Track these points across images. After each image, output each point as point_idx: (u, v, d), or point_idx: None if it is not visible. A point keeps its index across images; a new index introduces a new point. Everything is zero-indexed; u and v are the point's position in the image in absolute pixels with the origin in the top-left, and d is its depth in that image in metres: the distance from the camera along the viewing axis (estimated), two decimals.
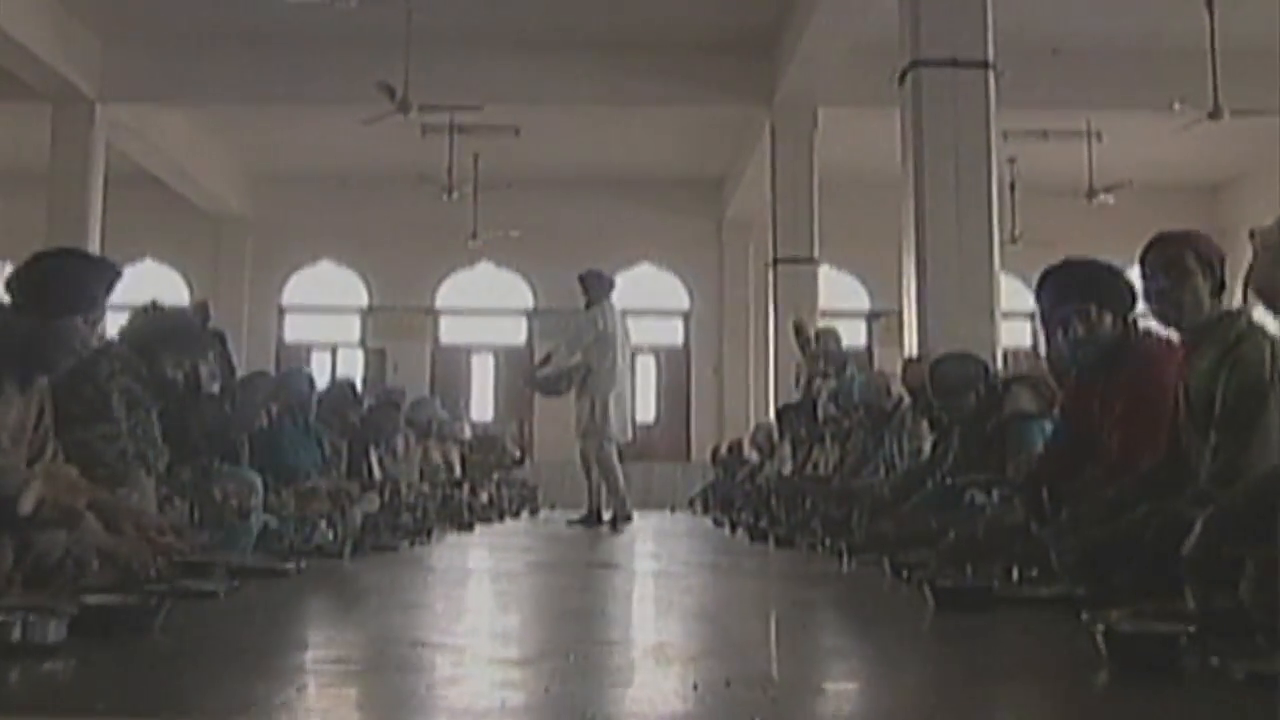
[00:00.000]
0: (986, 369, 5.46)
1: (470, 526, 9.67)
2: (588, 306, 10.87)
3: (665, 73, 15.05)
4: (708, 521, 12.63)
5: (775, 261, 15.26)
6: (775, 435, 11.68)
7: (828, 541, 6.38)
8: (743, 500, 11.66)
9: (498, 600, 4.85)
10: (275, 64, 14.95)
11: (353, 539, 6.41)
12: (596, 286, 10.87)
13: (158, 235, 19.96)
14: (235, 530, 5.53)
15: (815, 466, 9.78)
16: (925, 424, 6.40)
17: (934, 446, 6.10)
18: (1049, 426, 5.13)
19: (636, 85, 15.12)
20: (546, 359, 11.42)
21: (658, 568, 6.25)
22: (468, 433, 14.79)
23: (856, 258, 19.60)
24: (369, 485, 7.98)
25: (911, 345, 9.76)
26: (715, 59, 15.08)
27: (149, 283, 19.91)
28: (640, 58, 14.94)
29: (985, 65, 9.18)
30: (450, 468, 11.15)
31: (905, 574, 4.61)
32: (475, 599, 5.02)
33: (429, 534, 7.98)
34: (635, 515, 10.85)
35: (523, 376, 10.86)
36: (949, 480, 5.47)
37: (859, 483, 6.86)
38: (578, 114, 17.43)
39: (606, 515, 10.61)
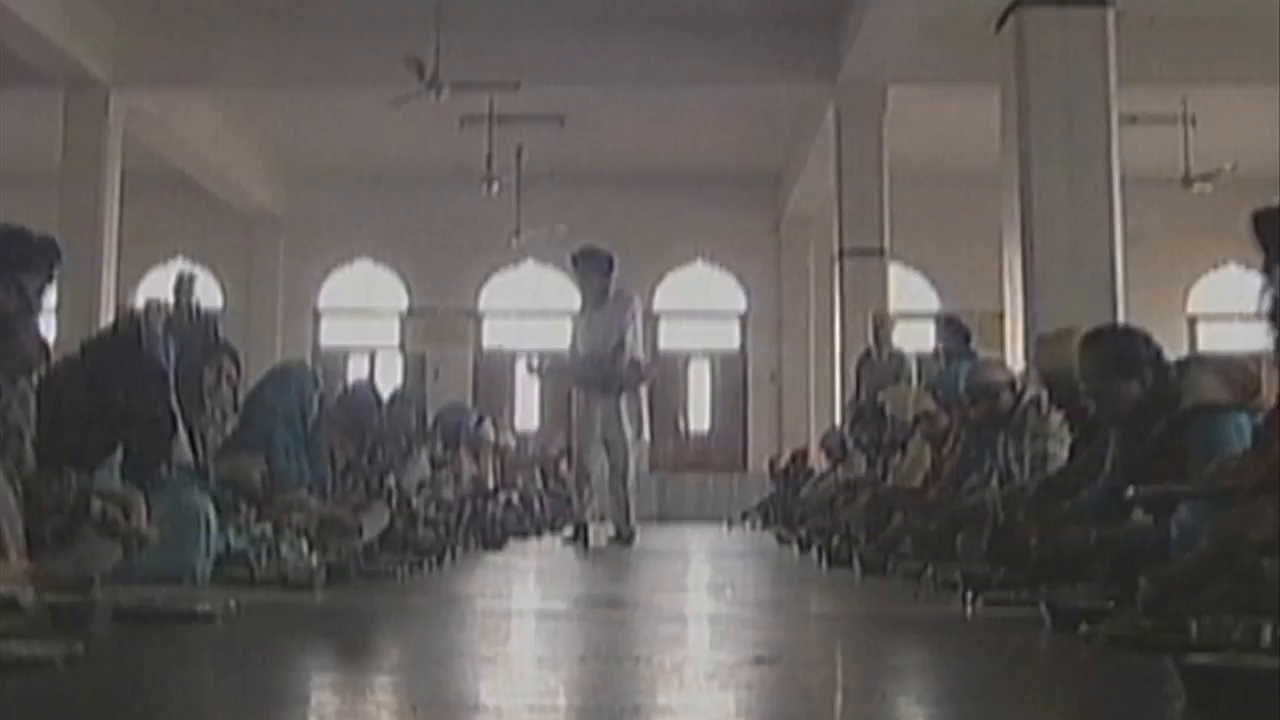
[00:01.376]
0: (1158, 349, 4.06)
1: (500, 544, 8.35)
2: (598, 288, 9.18)
3: (719, 50, 13.72)
4: (769, 538, 11.27)
5: (841, 255, 13.89)
6: (849, 442, 10.30)
7: (932, 570, 5.01)
8: (810, 515, 10.30)
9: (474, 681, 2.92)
10: (299, 44, 13.74)
11: (343, 563, 5.12)
12: (599, 267, 9.33)
13: (188, 234, 18.85)
14: (179, 551, 4.28)
15: (884, 477, 8.44)
16: (1057, 421, 4.99)
17: (1074, 450, 4.72)
18: (1247, 422, 3.76)
19: (687, 64, 13.79)
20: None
21: (722, 610, 4.85)
22: (510, 441, 13.53)
23: (925, 255, 18.15)
24: (378, 497, 6.70)
25: (1015, 352, 8.43)
26: (773, 34, 13.74)
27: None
28: (691, 34, 13.63)
29: (1103, 2, 7.74)
30: (480, 480, 9.81)
31: (1083, 627, 3.20)
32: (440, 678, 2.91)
33: (449, 554, 6.66)
34: (689, 530, 9.65)
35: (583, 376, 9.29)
36: (1105, 492, 4.09)
37: (969, 497, 5.46)
38: (625, 101, 16.17)
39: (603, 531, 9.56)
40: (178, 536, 4.21)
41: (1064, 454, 4.90)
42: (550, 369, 10.97)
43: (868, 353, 12.11)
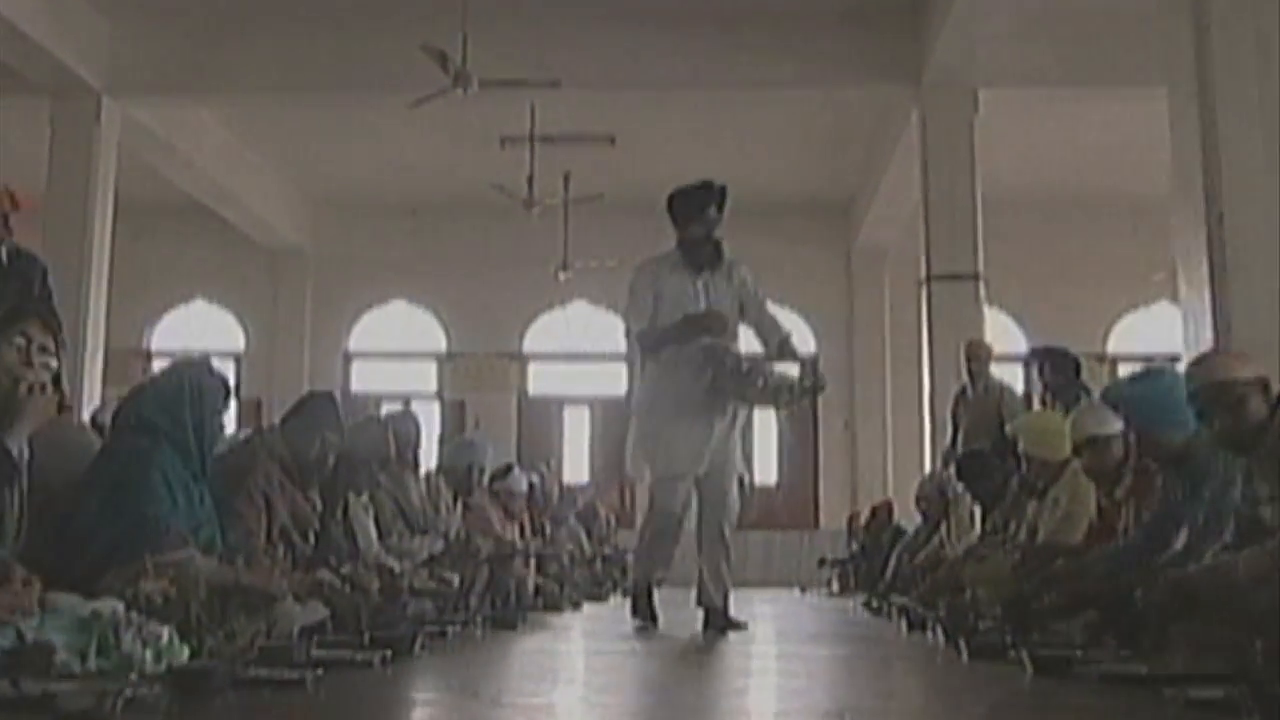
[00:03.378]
0: None
1: (515, 623, 6.40)
2: (707, 241, 6.37)
3: (783, 48, 11.88)
4: (854, 607, 9.28)
5: (928, 279, 11.94)
6: (955, 490, 8.31)
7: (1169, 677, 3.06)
8: (911, 581, 8.31)
9: None
10: (313, 46, 12.08)
11: (231, 660, 3.23)
12: (707, 204, 6.49)
13: (208, 272, 17.22)
14: None
15: (1011, 531, 6.48)
16: None
17: None
18: None
19: (748, 64, 11.95)
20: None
21: None
22: (552, 492, 11.65)
23: (1009, 289, 16.09)
24: (323, 560, 4.83)
25: None
26: (846, 28, 11.89)
27: (199, 327, 17.19)
28: (751, 30, 11.82)
29: None
30: (500, 538, 7.83)
31: None
32: None
33: (416, 643, 4.67)
34: (757, 597, 7.61)
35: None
36: None
37: (1209, 562, 3.48)
38: (681, 118, 14.40)
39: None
40: None
41: None
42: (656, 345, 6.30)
43: (963, 390, 10.19)
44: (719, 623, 6.23)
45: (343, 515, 5.45)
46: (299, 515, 4.58)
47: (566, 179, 15.30)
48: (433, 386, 17.67)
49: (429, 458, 8.04)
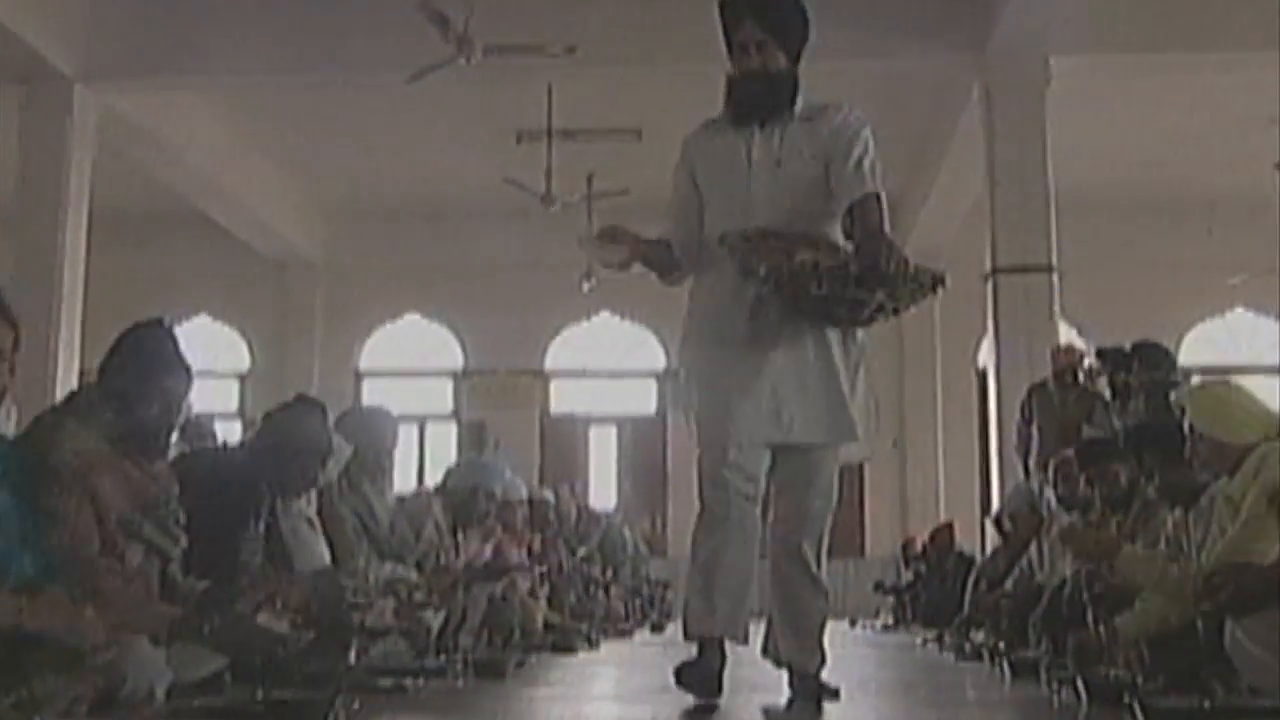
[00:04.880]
0: None
1: (504, 670, 4.91)
2: (783, 81, 3.99)
3: (831, 14, 10.31)
4: (918, 643, 7.81)
5: (994, 272, 10.46)
6: (1049, 505, 6.81)
7: None
8: (986, 617, 6.85)
9: None
10: (303, 24, 10.70)
11: None
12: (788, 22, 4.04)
13: (210, 285, 15.87)
14: None
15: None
16: None
17: None
18: None
19: None
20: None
21: None
22: (570, 514, 10.22)
23: (1071, 293, 14.60)
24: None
25: None
26: None
27: (202, 345, 15.82)
28: None
29: None
30: (498, 568, 6.28)
31: None
32: None
33: (334, 706, 3.21)
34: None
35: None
36: None
37: None
38: (714, 110, 12.95)
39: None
40: None
41: None
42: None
43: (1043, 384, 8.75)
44: (804, 691, 3.97)
45: (264, 528, 4.01)
46: (139, 495, 3.11)
47: (590, 181, 13.92)
48: (449, 406, 16.24)
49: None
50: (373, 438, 5.53)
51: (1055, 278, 10.34)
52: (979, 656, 6.05)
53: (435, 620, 5.17)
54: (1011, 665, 5.03)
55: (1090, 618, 4.69)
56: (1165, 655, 3.98)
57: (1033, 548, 7.04)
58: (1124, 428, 5.66)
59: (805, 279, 3.58)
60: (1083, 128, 11.83)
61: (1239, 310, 15.74)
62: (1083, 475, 5.52)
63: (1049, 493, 6.91)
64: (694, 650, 4.02)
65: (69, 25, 10.59)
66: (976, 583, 7.87)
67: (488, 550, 6.48)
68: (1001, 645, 6.09)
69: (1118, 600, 4.32)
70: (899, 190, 15.13)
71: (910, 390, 15.55)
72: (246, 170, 14.01)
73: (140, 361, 3.23)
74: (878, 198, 3.85)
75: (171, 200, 13.89)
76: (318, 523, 4.82)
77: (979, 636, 7.19)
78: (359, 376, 16.35)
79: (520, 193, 13.09)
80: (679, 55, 10.66)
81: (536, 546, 8.26)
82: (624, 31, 10.50)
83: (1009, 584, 7.04)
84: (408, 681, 4.03)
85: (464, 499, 6.21)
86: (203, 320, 16.10)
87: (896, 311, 3.73)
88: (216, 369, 15.64)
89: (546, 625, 6.96)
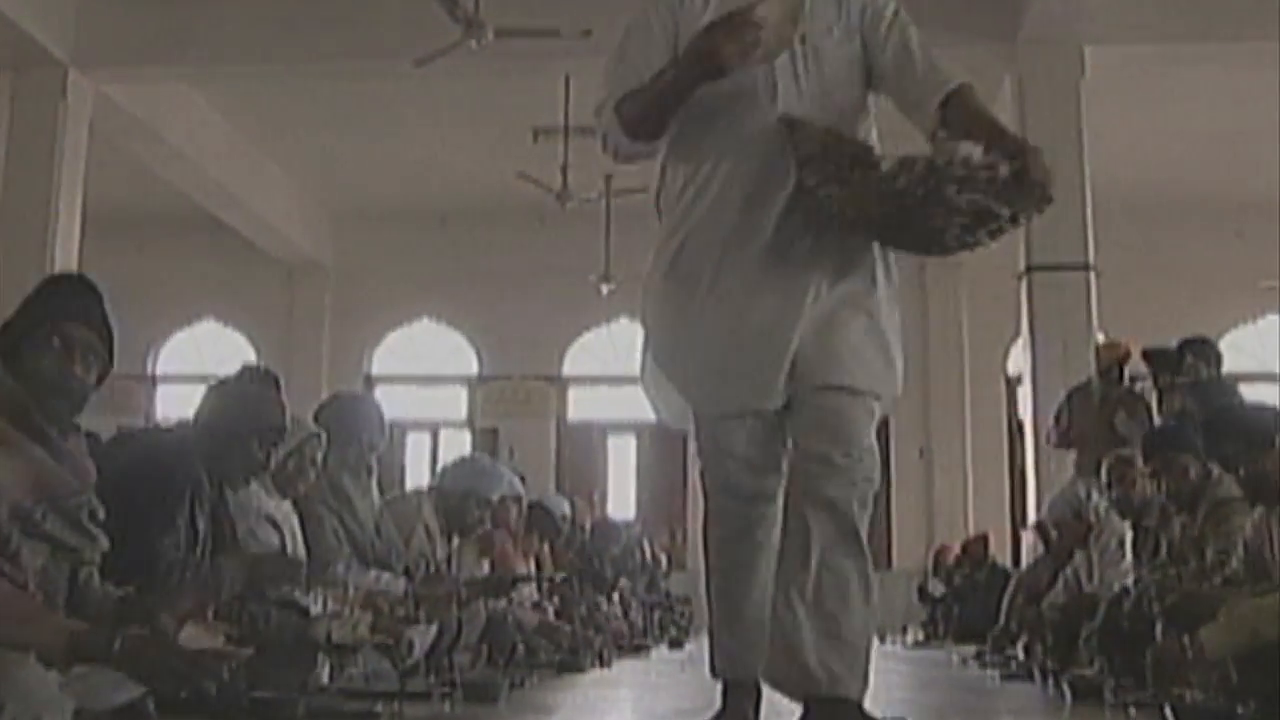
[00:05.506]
0: None
1: (497, 693, 4.30)
2: None
3: None
4: (956, 660, 7.23)
5: (1029, 271, 9.89)
6: (1098, 512, 6.24)
7: None
8: (1029, 631, 6.28)
9: None
10: (307, 9, 10.23)
11: None
12: None
13: (217, 288, 15.41)
14: None
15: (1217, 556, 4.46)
16: None
17: None
18: None
19: None
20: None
21: None
22: (583, 523, 9.68)
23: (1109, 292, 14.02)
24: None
25: None
26: None
27: (208, 349, 15.37)
28: None
29: None
30: (502, 582, 5.71)
31: None
32: None
33: None
34: None
35: None
36: None
37: None
38: None
39: None
40: None
41: None
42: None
43: (1086, 384, 8.17)
44: None
45: (203, 524, 3.48)
46: (42, 481, 2.57)
47: (608, 182, 13.39)
48: (463, 413, 15.70)
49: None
50: (356, 429, 5.02)
51: (1092, 276, 9.78)
52: (1029, 676, 5.47)
53: (425, 636, 4.65)
54: (1072, 686, 4.46)
55: (1161, 631, 4.13)
56: (1256, 675, 3.44)
57: (1079, 556, 6.48)
58: (1196, 415, 5.10)
59: (943, 179, 2.69)
60: (1110, 125, 11.26)
61: (1271, 317, 15.08)
62: (1148, 469, 4.93)
63: (1097, 497, 6.36)
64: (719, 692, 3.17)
65: (63, 7, 10.15)
66: (1015, 595, 7.31)
67: (485, 564, 5.93)
68: (1050, 663, 5.52)
69: (1196, 611, 3.77)
70: None
71: (937, 397, 14.96)
72: (252, 169, 13.55)
73: (37, 307, 2.71)
74: None
75: (174, 200, 13.45)
76: (294, 523, 4.31)
77: (1018, 652, 6.64)
78: (370, 383, 15.84)
79: (536, 194, 12.58)
80: None
81: (545, 556, 7.74)
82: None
83: (1054, 596, 6.47)
84: (380, 707, 3.49)
85: (456, 504, 5.66)
86: (209, 325, 15.64)
87: (996, 235, 2.88)
88: (222, 374, 15.11)
89: (554, 642, 6.42)
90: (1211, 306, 14.55)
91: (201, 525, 3.46)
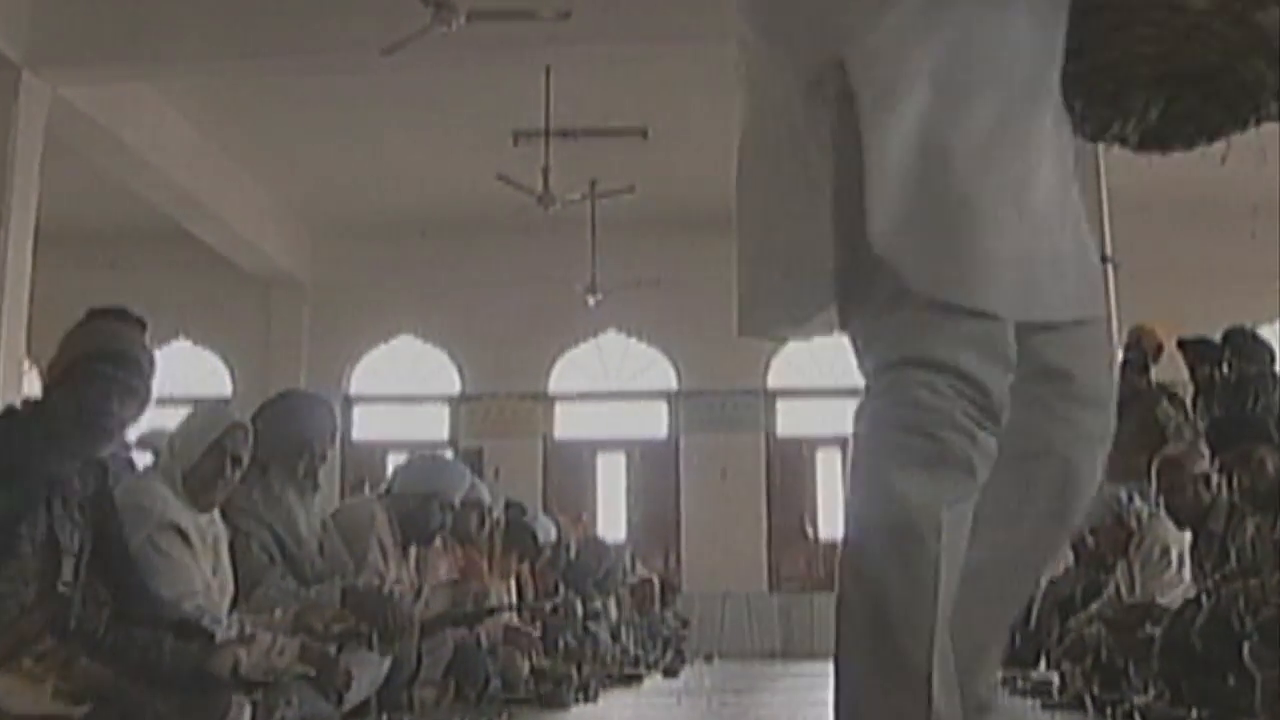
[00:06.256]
0: None
1: None
2: None
3: None
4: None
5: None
6: (1139, 518, 5.52)
7: None
8: (1067, 650, 5.54)
9: None
10: (268, 4, 9.56)
11: None
12: None
13: (190, 306, 14.65)
14: None
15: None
16: None
17: None
18: None
19: None
20: None
21: None
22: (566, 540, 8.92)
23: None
24: None
25: None
26: None
27: (180, 370, 14.62)
28: None
29: None
30: (474, 611, 4.94)
31: None
32: None
33: None
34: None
35: None
36: None
37: None
38: (729, 104, 11.77)
39: None
40: None
41: None
42: None
43: (1125, 362, 7.48)
44: None
45: (82, 535, 2.75)
46: None
47: (593, 187, 12.73)
48: (445, 433, 14.94)
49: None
50: (305, 434, 4.28)
51: (1110, 269, 9.06)
52: (1080, 704, 4.74)
53: (377, 668, 3.92)
54: (1141, 717, 3.73)
55: (1250, 653, 3.41)
56: None
57: (1119, 567, 5.76)
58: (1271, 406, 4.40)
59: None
60: None
61: None
62: (1215, 464, 4.22)
63: (1139, 501, 5.65)
64: None
65: (15, 4, 9.44)
66: (1042, 609, 6.58)
67: (443, 570, 5.17)
68: (1097, 688, 4.80)
69: None
70: None
71: None
72: (223, 178, 12.83)
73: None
74: None
75: (144, 213, 12.75)
76: (219, 533, 3.58)
77: (1052, 675, 5.92)
78: (349, 402, 15.09)
79: (518, 202, 11.87)
80: (684, 31, 9.45)
81: (526, 578, 7.01)
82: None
83: (1092, 611, 5.73)
84: None
85: (415, 510, 4.91)
86: (181, 344, 14.87)
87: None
88: (196, 395, 14.39)
89: (534, 672, 5.68)
90: (1224, 308, 13.85)
91: (68, 533, 2.73)
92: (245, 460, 3.54)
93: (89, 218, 13.86)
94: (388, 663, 4.01)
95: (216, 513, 3.55)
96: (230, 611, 3.49)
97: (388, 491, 4.93)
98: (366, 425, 15.13)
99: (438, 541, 5.08)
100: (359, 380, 15.18)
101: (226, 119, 11.99)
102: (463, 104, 11.69)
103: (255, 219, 13.73)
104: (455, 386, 15.03)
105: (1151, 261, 12.98)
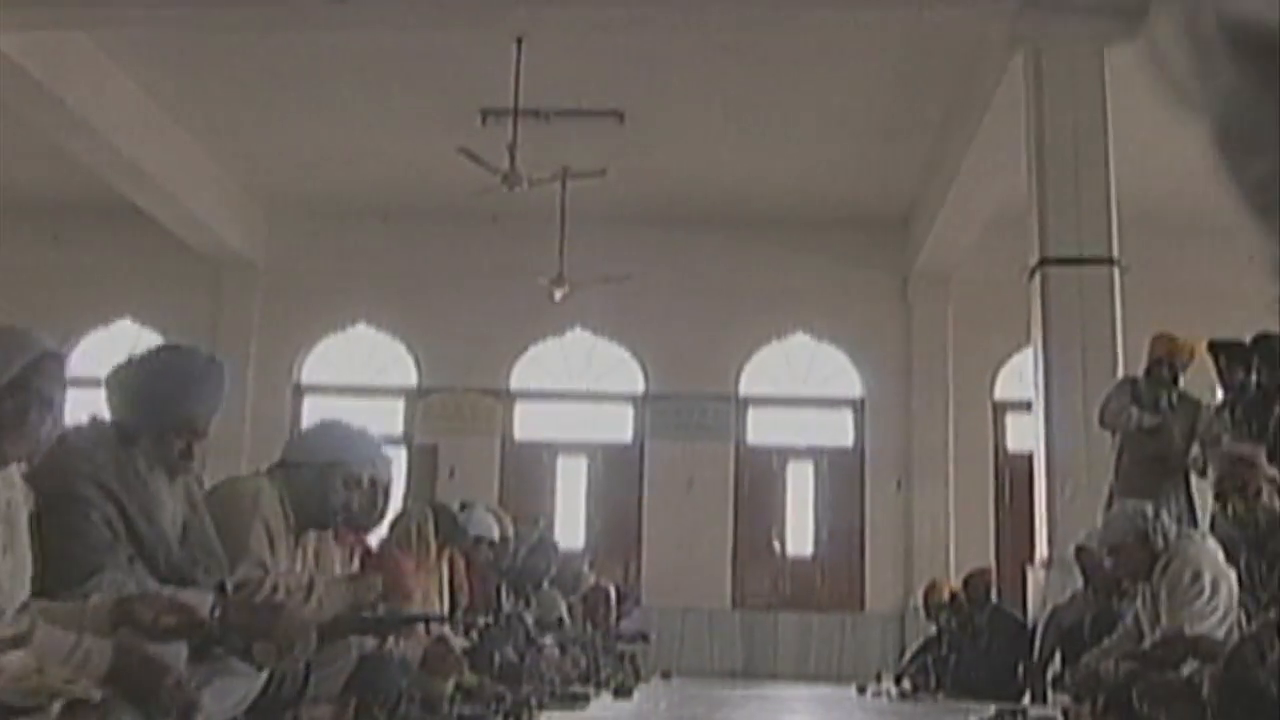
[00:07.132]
0: None
1: None
2: None
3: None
4: None
5: (1042, 264, 8.41)
6: (1167, 537, 4.71)
7: None
8: (1085, 684, 4.72)
9: None
10: None
11: None
12: None
13: (136, 285, 13.77)
14: None
15: None
16: None
17: None
18: None
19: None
20: None
21: None
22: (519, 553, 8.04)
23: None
24: None
25: None
26: None
27: (126, 351, 13.58)
28: None
29: None
30: (391, 618, 4.05)
31: None
32: None
33: None
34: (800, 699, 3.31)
35: None
36: None
37: None
38: (707, 91, 11.03)
39: None
40: None
41: None
42: None
43: (1133, 381, 6.73)
44: None
45: None
46: None
47: (564, 175, 11.88)
48: (399, 428, 14.03)
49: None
50: (164, 399, 3.40)
51: (1116, 272, 8.31)
52: None
53: (249, 683, 3.07)
54: None
55: None
56: None
57: (1142, 592, 4.94)
58: None
59: None
60: (1133, 122, 9.85)
61: None
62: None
63: (1167, 519, 4.84)
64: None
65: None
66: (1045, 638, 5.77)
67: (337, 561, 4.30)
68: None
69: None
70: (907, 206, 13.10)
71: (919, 428, 13.44)
72: (172, 149, 11.95)
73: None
74: None
75: (92, 186, 11.95)
76: (13, 500, 2.71)
77: (1055, 712, 5.11)
78: (300, 392, 14.19)
79: (485, 184, 11.02)
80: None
81: (462, 581, 6.15)
82: None
83: (1108, 643, 4.92)
84: None
85: (311, 487, 4.03)
86: (125, 324, 13.93)
87: None
88: None
89: (460, 689, 4.83)
90: (1232, 317, 13.10)
91: None
92: (59, 402, 2.69)
93: (29, 185, 13.01)
94: (262, 676, 3.15)
95: (15, 472, 2.69)
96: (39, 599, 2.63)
97: (281, 464, 4.04)
98: (317, 417, 14.20)
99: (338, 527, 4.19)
100: (310, 369, 14.27)
101: (175, 81, 11.12)
102: (429, 76, 10.90)
103: (207, 194, 12.86)
104: (412, 379, 14.14)
105: (1161, 270, 12.27)
